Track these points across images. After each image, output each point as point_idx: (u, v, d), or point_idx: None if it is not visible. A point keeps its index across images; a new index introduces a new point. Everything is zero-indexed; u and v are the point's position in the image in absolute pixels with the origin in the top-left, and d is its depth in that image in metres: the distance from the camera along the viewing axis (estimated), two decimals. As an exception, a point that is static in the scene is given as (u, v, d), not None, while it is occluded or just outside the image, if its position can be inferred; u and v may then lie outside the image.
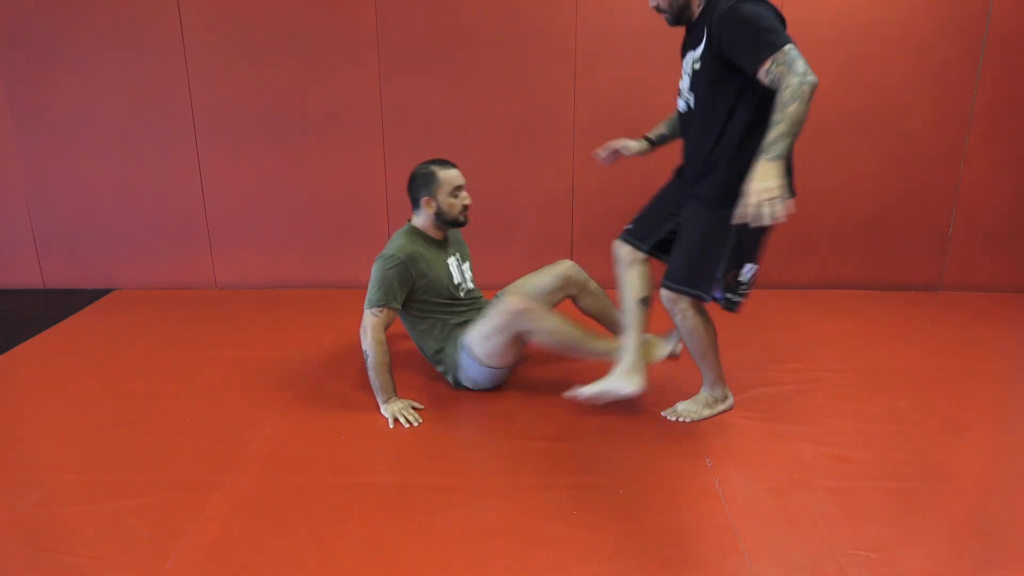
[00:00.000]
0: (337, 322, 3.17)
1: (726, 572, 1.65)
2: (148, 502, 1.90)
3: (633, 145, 2.37)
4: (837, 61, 3.34)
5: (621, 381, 2.21)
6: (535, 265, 2.74)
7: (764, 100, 1.85)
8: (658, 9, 2.03)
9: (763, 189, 1.71)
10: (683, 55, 2.07)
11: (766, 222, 1.74)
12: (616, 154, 2.40)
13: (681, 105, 2.10)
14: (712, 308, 2.17)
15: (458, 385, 2.54)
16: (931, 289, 3.66)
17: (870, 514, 1.85)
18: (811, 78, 1.71)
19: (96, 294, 3.65)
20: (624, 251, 2.32)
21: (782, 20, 1.87)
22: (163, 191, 3.60)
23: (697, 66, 1.96)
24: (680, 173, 2.23)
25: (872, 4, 3.26)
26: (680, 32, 2.10)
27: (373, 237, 3.58)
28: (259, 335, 3.08)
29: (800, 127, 1.73)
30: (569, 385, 2.54)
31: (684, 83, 2.05)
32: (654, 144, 2.39)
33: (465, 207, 2.46)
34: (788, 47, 1.75)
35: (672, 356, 2.65)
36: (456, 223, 2.48)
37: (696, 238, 2.07)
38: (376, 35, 3.37)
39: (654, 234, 2.26)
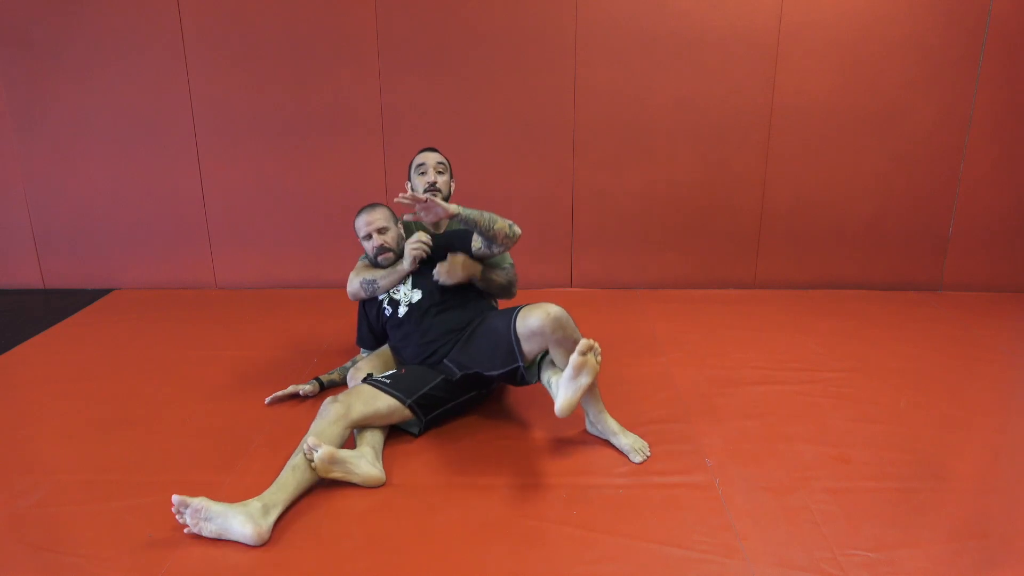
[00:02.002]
0: (337, 322, 3.17)
1: (726, 572, 1.65)
2: (148, 502, 1.90)
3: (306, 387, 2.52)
4: (837, 61, 3.34)
5: (243, 521, 1.74)
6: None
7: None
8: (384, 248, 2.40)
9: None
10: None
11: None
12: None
13: (403, 310, 2.38)
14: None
15: None
16: (931, 289, 3.66)
17: (870, 514, 1.85)
18: (517, 230, 2.29)
19: (96, 294, 3.65)
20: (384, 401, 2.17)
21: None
22: (163, 191, 3.60)
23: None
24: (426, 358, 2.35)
25: (872, 4, 3.26)
26: None
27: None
28: (259, 335, 3.08)
29: (488, 230, 2.23)
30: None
31: (417, 295, 2.40)
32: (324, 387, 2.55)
33: (428, 184, 2.50)
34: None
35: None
36: None
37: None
38: (376, 35, 3.37)
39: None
